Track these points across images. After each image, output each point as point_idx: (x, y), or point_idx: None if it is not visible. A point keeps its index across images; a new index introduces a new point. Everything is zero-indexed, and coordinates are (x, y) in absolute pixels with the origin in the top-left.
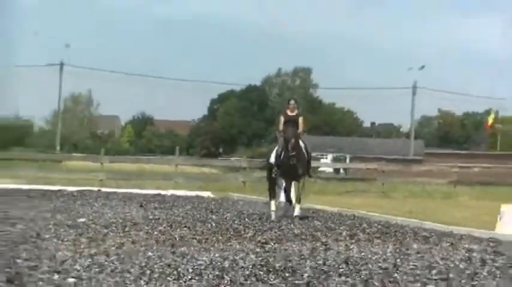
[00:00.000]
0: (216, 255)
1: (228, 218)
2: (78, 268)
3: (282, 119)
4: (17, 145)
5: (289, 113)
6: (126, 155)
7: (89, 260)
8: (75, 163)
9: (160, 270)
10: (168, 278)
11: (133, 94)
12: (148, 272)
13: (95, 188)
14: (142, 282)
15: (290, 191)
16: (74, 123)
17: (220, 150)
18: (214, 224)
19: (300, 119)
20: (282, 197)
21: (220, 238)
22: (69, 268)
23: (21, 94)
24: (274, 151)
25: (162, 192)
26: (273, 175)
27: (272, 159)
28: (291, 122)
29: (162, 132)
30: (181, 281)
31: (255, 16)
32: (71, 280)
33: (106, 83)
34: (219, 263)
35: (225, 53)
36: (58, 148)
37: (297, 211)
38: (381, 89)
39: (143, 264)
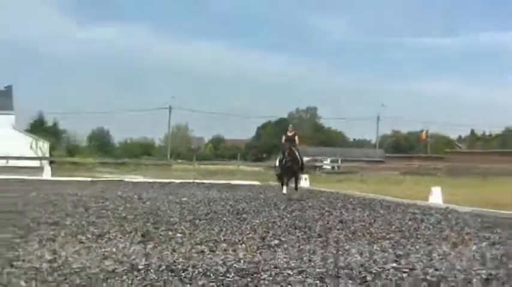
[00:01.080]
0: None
1: (271, 195)
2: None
3: (283, 137)
4: (145, 155)
5: (288, 133)
6: (208, 160)
7: (191, 217)
8: (179, 166)
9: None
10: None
11: (212, 122)
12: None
13: (191, 181)
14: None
15: (290, 182)
16: (177, 141)
17: (264, 156)
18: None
19: (296, 137)
20: (284, 188)
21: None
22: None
23: (147, 124)
24: (278, 159)
25: (232, 182)
26: (277, 174)
27: (277, 163)
28: (290, 139)
29: (229, 146)
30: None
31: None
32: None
33: (196, 117)
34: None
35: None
36: (169, 156)
37: (297, 187)
38: (360, 120)
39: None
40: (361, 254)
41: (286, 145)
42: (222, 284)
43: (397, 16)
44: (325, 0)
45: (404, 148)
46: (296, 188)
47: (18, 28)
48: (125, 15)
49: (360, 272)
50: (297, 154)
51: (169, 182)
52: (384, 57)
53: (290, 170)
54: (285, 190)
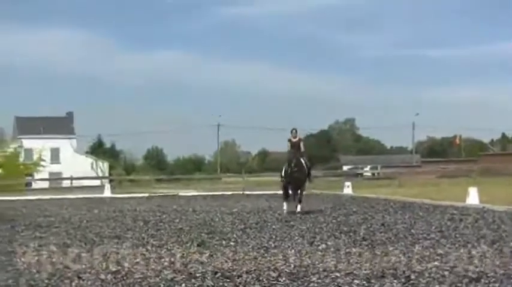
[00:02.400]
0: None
1: (316, 203)
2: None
3: (288, 143)
4: (196, 171)
5: (292, 139)
6: (255, 173)
7: (243, 226)
8: (228, 179)
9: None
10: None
11: (258, 137)
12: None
13: (240, 192)
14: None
15: (295, 194)
16: (226, 157)
17: None
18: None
19: (301, 143)
20: (285, 205)
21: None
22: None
23: (197, 142)
24: (283, 169)
25: (279, 192)
26: (283, 184)
27: (282, 173)
28: (295, 146)
29: (274, 158)
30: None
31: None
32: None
33: (243, 133)
34: None
35: (302, 109)
36: (219, 171)
37: (298, 209)
38: (396, 128)
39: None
40: (404, 254)
41: (292, 153)
42: None
43: (427, 26)
44: (355, 18)
45: (439, 153)
46: (300, 200)
47: (74, 60)
48: (172, 39)
49: (403, 272)
50: (303, 162)
51: (221, 195)
52: (415, 68)
53: (296, 181)
54: (285, 206)
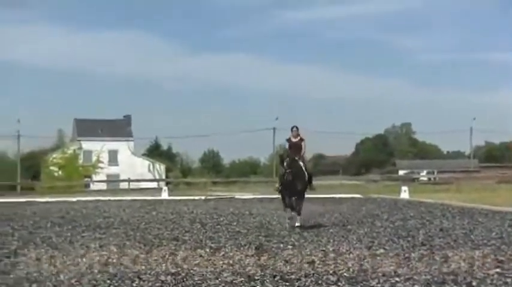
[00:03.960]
0: None
1: (373, 207)
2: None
3: (287, 144)
4: (252, 174)
5: (292, 139)
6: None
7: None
8: None
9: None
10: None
11: (313, 140)
12: None
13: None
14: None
15: (293, 203)
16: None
17: (363, 171)
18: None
19: (303, 144)
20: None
21: None
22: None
23: (253, 145)
24: (280, 173)
25: (335, 195)
26: (277, 191)
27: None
28: (295, 147)
29: (330, 162)
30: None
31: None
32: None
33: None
34: None
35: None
36: (274, 174)
37: (297, 223)
38: (453, 133)
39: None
40: (464, 260)
41: (289, 154)
42: None
43: (485, 29)
44: (411, 22)
45: (497, 158)
46: (299, 212)
47: (131, 63)
48: (229, 42)
49: (464, 278)
50: (301, 166)
51: (277, 198)
52: (470, 71)
53: (292, 187)
54: (289, 212)
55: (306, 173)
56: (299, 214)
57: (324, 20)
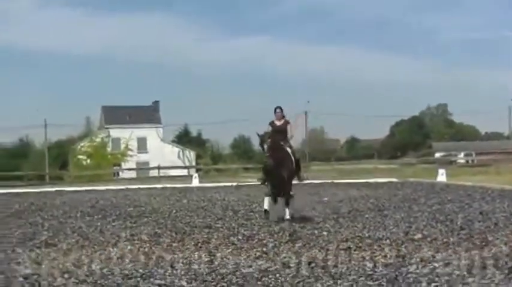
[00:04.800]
0: None
1: (409, 191)
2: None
3: (269, 128)
4: None
5: (276, 123)
6: (344, 160)
7: (335, 215)
8: (316, 167)
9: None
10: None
11: (347, 124)
12: None
13: (329, 181)
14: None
15: (277, 193)
16: (314, 144)
17: (398, 154)
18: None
19: (288, 127)
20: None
21: None
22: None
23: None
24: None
25: (370, 180)
26: (262, 179)
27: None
28: (279, 132)
29: (364, 146)
30: None
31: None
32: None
33: (332, 120)
34: None
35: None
36: (307, 159)
37: (287, 215)
38: (490, 113)
39: None
40: (505, 244)
41: (271, 139)
42: (372, 279)
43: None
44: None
45: None
46: (287, 202)
47: (158, 49)
48: (257, 26)
49: (506, 263)
50: (287, 151)
51: (309, 183)
52: (505, 50)
53: (276, 177)
54: (266, 205)
55: (293, 159)
56: (287, 205)
57: (355, 1)
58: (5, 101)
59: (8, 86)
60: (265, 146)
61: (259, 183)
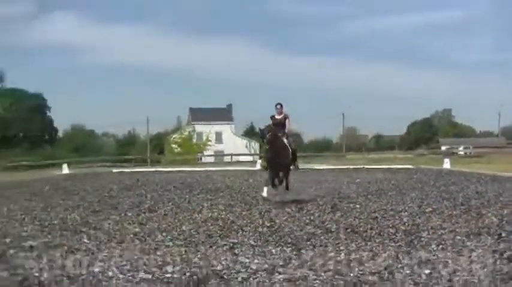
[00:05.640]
0: None
1: (421, 175)
2: (362, 199)
3: (270, 122)
4: (326, 150)
5: (276, 116)
6: (372, 151)
7: (365, 193)
8: (351, 156)
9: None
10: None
11: (373, 123)
12: None
13: (361, 166)
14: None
15: (280, 179)
16: (349, 139)
17: (413, 147)
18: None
19: (287, 121)
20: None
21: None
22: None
23: (327, 127)
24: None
25: (392, 166)
26: (263, 168)
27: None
28: (279, 124)
29: (387, 140)
30: None
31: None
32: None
33: (363, 121)
34: None
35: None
36: (344, 149)
37: (282, 197)
38: (484, 115)
39: None
40: (495, 216)
41: (271, 130)
42: (393, 241)
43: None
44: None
45: None
46: (287, 187)
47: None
48: (311, 47)
49: (496, 230)
50: (285, 142)
51: (346, 168)
52: (499, 69)
53: (275, 162)
54: (265, 193)
55: (290, 150)
56: (287, 189)
57: (383, 29)
58: (119, 103)
59: (122, 93)
60: (265, 140)
61: (263, 169)
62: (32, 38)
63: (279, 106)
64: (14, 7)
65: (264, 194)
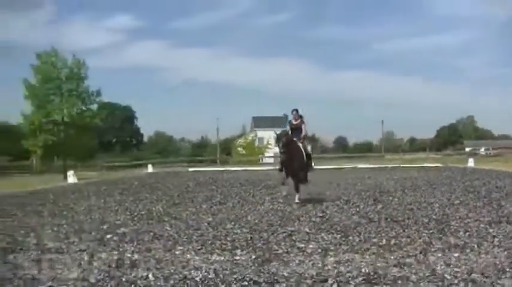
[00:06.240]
0: None
1: (449, 173)
2: (399, 193)
3: (288, 127)
4: (367, 151)
5: (293, 121)
6: (407, 152)
7: (401, 188)
8: (388, 157)
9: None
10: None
11: (408, 128)
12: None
13: (396, 165)
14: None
15: (295, 181)
16: (387, 143)
17: (442, 148)
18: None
19: (303, 126)
20: (283, 190)
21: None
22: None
23: (367, 133)
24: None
25: (424, 165)
26: (280, 170)
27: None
28: (296, 129)
29: (419, 143)
30: None
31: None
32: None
33: (399, 126)
34: None
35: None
36: (382, 150)
37: (296, 199)
38: (501, 120)
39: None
40: None
41: (286, 135)
42: (427, 229)
43: None
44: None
45: None
46: (297, 188)
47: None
48: (352, 65)
49: None
50: (299, 146)
51: (384, 167)
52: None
53: (289, 165)
54: (284, 191)
55: (304, 154)
56: (297, 190)
57: (411, 48)
58: (194, 113)
59: (196, 105)
60: (280, 144)
61: (278, 170)
62: (122, 60)
63: (295, 112)
64: (107, 37)
65: (284, 192)
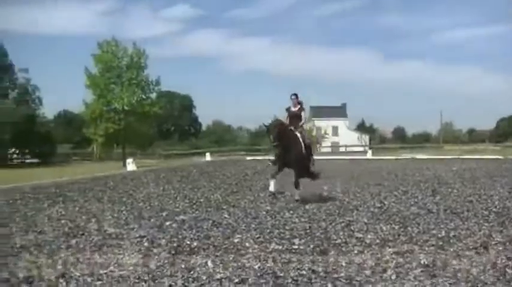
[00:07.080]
0: None
1: (510, 166)
2: (458, 184)
3: (287, 114)
4: (426, 142)
5: (292, 108)
6: (466, 144)
7: (460, 179)
8: (448, 147)
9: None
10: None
11: (469, 118)
12: None
13: (456, 157)
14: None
15: (297, 176)
16: (446, 134)
17: (502, 139)
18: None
19: (302, 113)
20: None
21: None
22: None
23: (426, 122)
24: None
25: (483, 157)
26: (271, 164)
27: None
28: (294, 117)
29: (478, 134)
30: None
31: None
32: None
33: (459, 116)
34: None
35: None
36: (441, 141)
37: (296, 195)
38: None
39: None
40: None
41: (278, 126)
42: (487, 221)
43: None
44: None
45: None
46: (296, 185)
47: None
48: (401, 54)
49: None
50: (296, 135)
51: (443, 158)
52: None
53: (285, 159)
54: (272, 187)
55: (303, 144)
56: (296, 187)
57: (470, 37)
58: (252, 102)
59: (255, 94)
60: (272, 136)
61: (270, 163)
62: (181, 49)
63: (294, 97)
64: (171, 26)
65: (271, 188)
